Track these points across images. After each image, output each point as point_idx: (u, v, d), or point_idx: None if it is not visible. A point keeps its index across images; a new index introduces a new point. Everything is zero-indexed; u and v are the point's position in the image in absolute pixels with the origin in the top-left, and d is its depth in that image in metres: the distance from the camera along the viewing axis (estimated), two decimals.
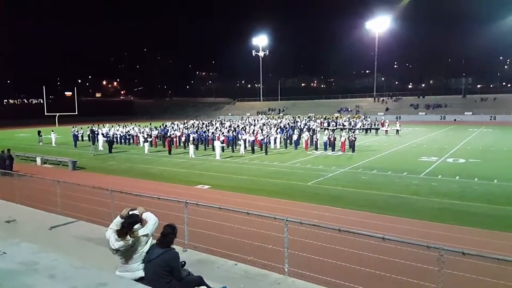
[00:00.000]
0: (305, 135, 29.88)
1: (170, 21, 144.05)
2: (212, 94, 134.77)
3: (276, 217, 6.67)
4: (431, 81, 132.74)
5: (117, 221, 4.55)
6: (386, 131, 40.81)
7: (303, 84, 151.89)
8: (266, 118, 62.69)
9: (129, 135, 35.83)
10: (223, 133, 30.99)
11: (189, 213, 7.66)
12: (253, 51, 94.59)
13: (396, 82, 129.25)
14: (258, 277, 6.16)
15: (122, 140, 35.33)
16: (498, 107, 64.61)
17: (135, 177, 18.66)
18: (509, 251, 8.18)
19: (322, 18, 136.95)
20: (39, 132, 37.36)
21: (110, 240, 4.41)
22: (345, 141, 26.93)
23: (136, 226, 4.52)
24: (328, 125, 44.62)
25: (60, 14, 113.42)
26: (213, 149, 27.27)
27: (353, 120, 47.84)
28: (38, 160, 23.68)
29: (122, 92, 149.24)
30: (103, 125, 44.14)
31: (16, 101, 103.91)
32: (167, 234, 4.48)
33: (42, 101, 66.59)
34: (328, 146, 27.39)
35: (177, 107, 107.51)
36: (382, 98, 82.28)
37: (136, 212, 4.65)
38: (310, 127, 39.29)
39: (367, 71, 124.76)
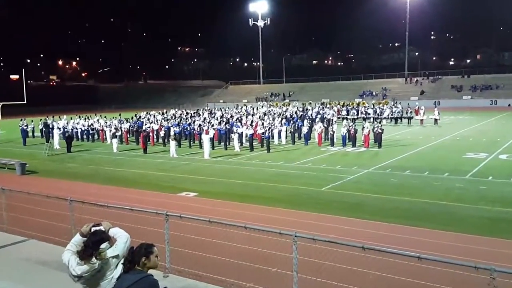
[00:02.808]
0: (318, 127, 29.86)
1: None
2: (199, 76, 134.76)
3: (282, 232, 6.69)
4: (478, 56, 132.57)
5: (77, 240, 4.53)
6: (422, 120, 40.84)
7: (314, 62, 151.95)
8: (268, 105, 62.64)
9: (92, 129, 35.82)
10: (212, 125, 30.94)
11: (171, 228, 7.66)
12: (250, 20, 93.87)
13: (434, 58, 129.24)
14: None
15: (84, 136, 35.35)
16: None
17: (101, 183, 18.66)
18: None
19: None
20: None
21: (70, 264, 4.39)
22: (369, 133, 26.95)
23: (103, 246, 4.50)
24: (347, 114, 44.58)
25: None
26: (201, 146, 27.24)
27: (379, 107, 47.83)
28: None
29: (83, 74, 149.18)
30: (59, 117, 43.99)
31: None
32: (137, 255, 4.39)
33: None
34: (347, 141, 27.41)
35: (153, 93, 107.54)
36: (415, 79, 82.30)
37: (101, 228, 4.63)
38: (324, 116, 39.24)
39: (396, 45, 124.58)
